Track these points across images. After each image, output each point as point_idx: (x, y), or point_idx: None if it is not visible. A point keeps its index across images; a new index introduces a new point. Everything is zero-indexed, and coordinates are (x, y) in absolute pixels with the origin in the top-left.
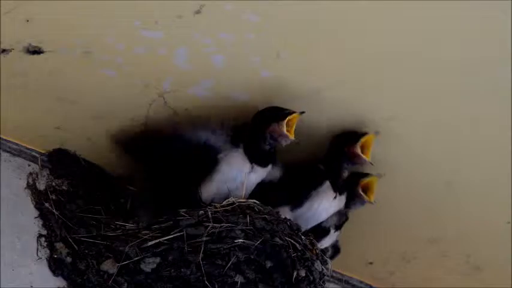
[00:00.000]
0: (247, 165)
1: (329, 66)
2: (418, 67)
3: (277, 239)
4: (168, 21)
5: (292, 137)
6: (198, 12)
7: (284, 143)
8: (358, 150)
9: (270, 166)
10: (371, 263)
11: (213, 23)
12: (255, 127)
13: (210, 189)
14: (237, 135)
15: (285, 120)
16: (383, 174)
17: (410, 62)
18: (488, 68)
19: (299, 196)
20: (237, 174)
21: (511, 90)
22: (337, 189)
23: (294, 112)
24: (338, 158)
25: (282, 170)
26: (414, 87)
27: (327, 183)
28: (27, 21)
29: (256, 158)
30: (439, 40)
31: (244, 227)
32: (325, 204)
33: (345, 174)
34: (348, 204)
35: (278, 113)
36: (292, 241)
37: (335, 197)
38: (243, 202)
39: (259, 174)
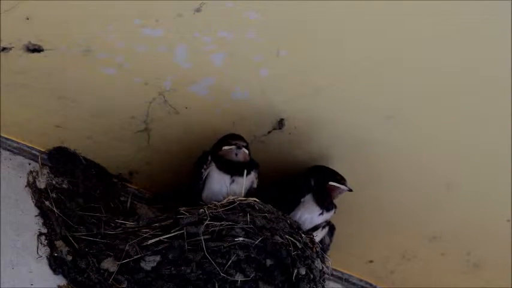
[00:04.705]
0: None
1: (329, 65)
2: (418, 67)
3: (278, 237)
4: (168, 20)
5: None
6: (198, 10)
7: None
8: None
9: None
10: (371, 262)
11: (213, 21)
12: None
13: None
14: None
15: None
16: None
17: (410, 62)
18: (488, 68)
19: (287, 204)
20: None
21: (511, 90)
22: (323, 207)
23: None
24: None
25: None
26: (414, 87)
27: (309, 196)
28: (27, 19)
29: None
30: (439, 40)
31: (244, 225)
32: (307, 216)
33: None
34: None
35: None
36: (292, 239)
37: (321, 213)
38: (244, 200)
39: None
